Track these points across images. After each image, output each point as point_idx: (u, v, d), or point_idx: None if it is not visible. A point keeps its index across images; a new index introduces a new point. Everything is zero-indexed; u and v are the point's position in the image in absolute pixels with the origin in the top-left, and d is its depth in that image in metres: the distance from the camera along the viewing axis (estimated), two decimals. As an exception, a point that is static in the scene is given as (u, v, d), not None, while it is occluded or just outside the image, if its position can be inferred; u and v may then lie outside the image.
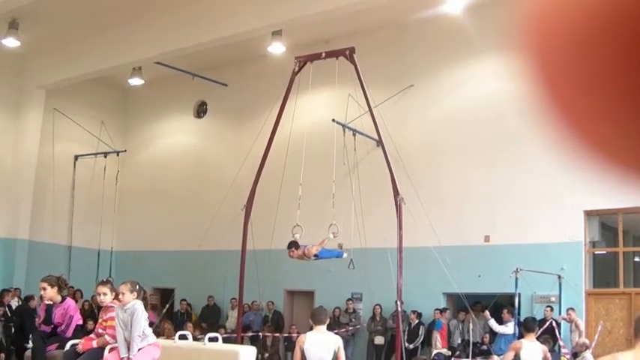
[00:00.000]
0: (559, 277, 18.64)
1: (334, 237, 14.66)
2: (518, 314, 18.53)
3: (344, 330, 20.39)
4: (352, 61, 15.29)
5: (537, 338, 17.21)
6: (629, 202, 17.81)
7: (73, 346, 9.87)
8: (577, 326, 17.76)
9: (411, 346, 19.82)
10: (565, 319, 18.22)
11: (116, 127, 28.63)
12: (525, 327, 11.84)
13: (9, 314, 19.62)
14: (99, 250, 26.36)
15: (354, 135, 20.94)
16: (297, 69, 15.91)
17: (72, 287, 22.79)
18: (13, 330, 19.09)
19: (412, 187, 16.06)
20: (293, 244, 13.92)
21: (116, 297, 9.64)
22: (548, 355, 11.42)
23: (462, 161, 20.79)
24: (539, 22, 0.93)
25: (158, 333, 15.38)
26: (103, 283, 10.26)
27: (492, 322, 18.77)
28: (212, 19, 20.56)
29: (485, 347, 19.06)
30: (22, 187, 25.18)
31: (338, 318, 21.39)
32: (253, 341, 20.65)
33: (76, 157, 27.35)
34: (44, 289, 10.89)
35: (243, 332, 19.56)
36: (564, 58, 0.91)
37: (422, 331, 20.21)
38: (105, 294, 9.77)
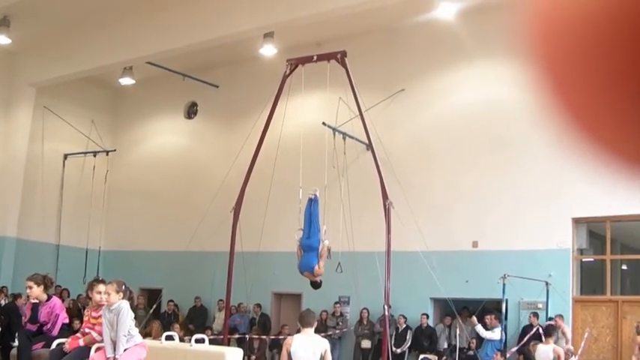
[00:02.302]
0: (546, 283, 18.67)
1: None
2: (505, 320, 18.57)
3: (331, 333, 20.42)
4: (343, 65, 15.29)
5: (525, 344, 17.40)
6: (618, 210, 17.89)
7: (60, 345, 9.84)
8: (564, 333, 17.79)
9: (399, 351, 19.84)
10: (552, 326, 18.26)
11: (106, 127, 28.59)
12: (544, 332, 14.55)
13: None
14: (87, 250, 26.32)
15: (344, 138, 20.95)
16: (288, 71, 15.90)
17: (59, 286, 22.73)
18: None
19: (401, 192, 16.07)
20: (314, 286, 13.72)
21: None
22: (560, 352, 13.61)
23: (452, 166, 20.82)
24: (544, 24, 0.93)
25: (145, 334, 15.36)
26: (100, 280, 10.22)
27: (479, 328, 18.79)
28: (204, 20, 20.55)
29: (471, 352, 19.08)
30: (10, 184, 25.11)
31: (325, 321, 21.38)
32: (240, 343, 20.62)
33: (66, 156, 27.28)
34: (30, 287, 10.84)
35: (230, 334, 19.54)
36: (570, 62, 0.91)
37: (409, 335, 20.23)
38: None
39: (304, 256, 13.24)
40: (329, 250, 15.82)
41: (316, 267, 13.04)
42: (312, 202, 13.59)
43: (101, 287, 9.80)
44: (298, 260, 13.33)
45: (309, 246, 13.22)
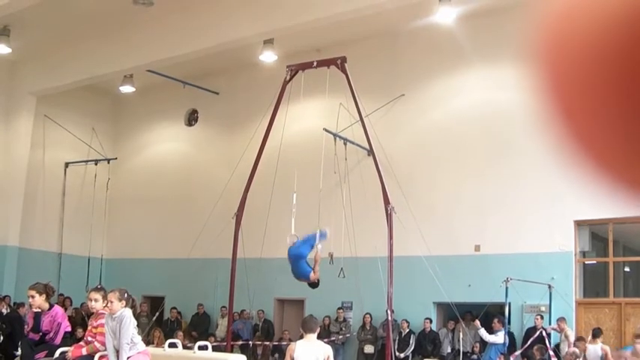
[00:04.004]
0: (549, 286, 18.65)
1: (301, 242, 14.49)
2: (509, 324, 18.55)
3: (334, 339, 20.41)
4: (343, 70, 15.29)
5: (529, 347, 17.39)
6: (620, 212, 17.66)
7: (62, 353, 9.83)
8: (566, 337, 17.77)
9: (402, 355, 19.83)
10: (555, 329, 18.24)
11: (107, 135, 28.57)
12: (592, 334, 16.13)
13: (-1, 322, 19.51)
14: (89, 258, 26.29)
15: (345, 144, 20.94)
16: (288, 78, 15.90)
17: (62, 295, 22.75)
18: (2, 337, 18.98)
19: (403, 197, 16.06)
20: (312, 286, 13.95)
21: (107, 304, 9.60)
22: (607, 350, 15.58)
23: (453, 171, 20.80)
24: (553, 33, 0.92)
25: (148, 341, 15.35)
26: (97, 289, 10.22)
27: (483, 332, 18.77)
28: (204, 28, 20.56)
29: (475, 357, 19.06)
30: (12, 193, 25.10)
31: (328, 327, 21.36)
32: (243, 350, 20.61)
33: (67, 164, 27.28)
34: (32, 296, 10.84)
35: (233, 341, 19.52)
36: (576, 70, 0.90)
37: (412, 340, 20.21)
38: (97, 300, 9.74)
39: (294, 266, 13.42)
40: (331, 255, 15.85)
41: (312, 274, 13.18)
42: (320, 235, 13.75)
43: (92, 295, 9.86)
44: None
45: (298, 255, 13.36)
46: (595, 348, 15.77)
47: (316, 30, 20.35)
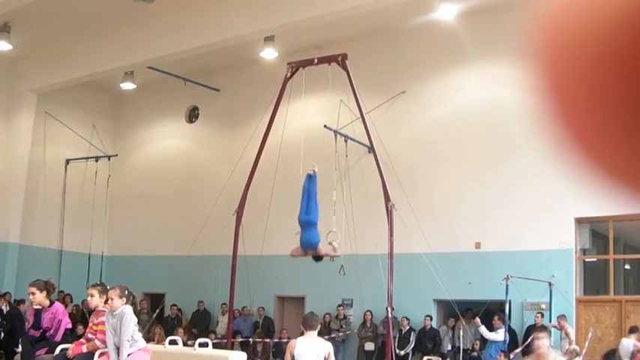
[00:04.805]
0: (550, 284, 18.64)
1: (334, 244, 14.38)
2: (509, 321, 18.56)
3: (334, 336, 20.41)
4: (344, 67, 15.28)
5: (528, 345, 17.37)
6: (620, 210, 17.73)
7: (63, 350, 9.84)
8: (567, 334, 17.76)
9: (402, 353, 19.82)
10: (555, 327, 18.23)
11: (108, 131, 28.58)
12: (629, 330, 16.70)
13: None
14: (89, 255, 26.29)
15: (345, 141, 20.92)
16: (289, 74, 15.88)
17: (62, 291, 22.74)
18: (2, 334, 18.99)
19: (403, 194, 16.05)
20: (316, 259, 13.88)
21: (107, 301, 9.60)
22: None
23: (454, 168, 20.80)
24: (552, 33, 0.92)
25: (148, 338, 15.36)
26: (94, 285, 10.26)
27: (483, 329, 18.77)
28: (204, 25, 20.56)
29: (475, 354, 19.06)
30: (13, 190, 25.11)
31: (328, 324, 21.36)
32: (243, 347, 20.61)
33: (67, 161, 27.27)
34: (33, 293, 10.84)
35: (233, 338, 19.53)
36: (575, 70, 0.90)
37: (412, 337, 20.21)
38: (92, 295, 9.79)
39: (304, 233, 13.31)
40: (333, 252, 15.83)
41: (320, 246, 13.14)
42: (311, 179, 13.68)
43: (89, 290, 9.95)
44: (297, 253, 13.44)
45: (307, 222, 13.30)
46: (627, 343, 16.19)
47: (317, 27, 20.35)
